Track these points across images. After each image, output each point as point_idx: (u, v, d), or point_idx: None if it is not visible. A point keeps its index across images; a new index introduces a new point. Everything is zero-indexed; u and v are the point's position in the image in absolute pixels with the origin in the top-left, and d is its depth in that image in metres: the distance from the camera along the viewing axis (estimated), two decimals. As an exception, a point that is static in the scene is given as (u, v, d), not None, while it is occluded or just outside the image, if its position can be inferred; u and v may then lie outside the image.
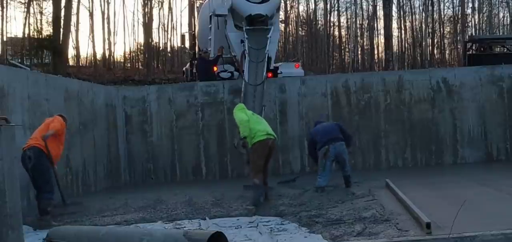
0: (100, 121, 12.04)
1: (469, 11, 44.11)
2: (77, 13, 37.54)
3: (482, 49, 21.48)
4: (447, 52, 47.29)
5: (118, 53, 50.08)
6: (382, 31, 43.11)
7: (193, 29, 27.45)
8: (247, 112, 8.62)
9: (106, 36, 41.04)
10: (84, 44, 75.82)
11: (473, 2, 44.34)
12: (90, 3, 40.34)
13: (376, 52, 48.03)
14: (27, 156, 7.52)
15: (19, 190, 4.47)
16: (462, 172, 11.06)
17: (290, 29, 47.28)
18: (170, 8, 45.80)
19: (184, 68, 23.33)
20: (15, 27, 74.18)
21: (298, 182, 10.54)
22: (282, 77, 14.52)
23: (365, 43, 48.24)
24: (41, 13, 36.66)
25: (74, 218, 7.90)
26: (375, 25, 46.60)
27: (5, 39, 35.32)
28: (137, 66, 42.55)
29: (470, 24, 44.17)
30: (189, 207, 8.42)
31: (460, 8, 43.62)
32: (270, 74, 13.64)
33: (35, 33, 33.86)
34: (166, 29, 45.55)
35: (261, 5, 13.89)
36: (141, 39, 42.50)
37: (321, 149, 9.46)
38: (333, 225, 6.35)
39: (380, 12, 42.86)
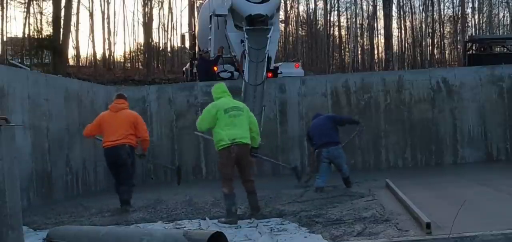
0: (100, 121, 12.02)
1: (469, 11, 44.24)
2: (77, 13, 37.65)
3: (482, 49, 21.50)
4: (447, 52, 47.36)
5: (118, 53, 50.23)
6: (382, 31, 43.23)
7: (193, 29, 27.43)
8: (220, 109, 7.20)
9: (106, 36, 41.16)
10: (84, 44, 76.04)
11: (473, 2, 44.45)
12: (90, 3, 40.47)
13: (376, 52, 48.08)
14: (126, 152, 8.20)
15: (19, 190, 4.47)
16: (462, 172, 11.06)
17: (290, 29, 47.32)
18: (170, 8, 45.98)
19: (184, 68, 23.34)
20: (15, 27, 74.21)
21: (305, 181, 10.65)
22: (282, 77, 14.53)
23: (365, 43, 48.28)
24: (41, 13, 36.79)
25: (73, 218, 7.90)
26: (375, 25, 46.72)
27: (5, 39, 35.37)
28: (137, 66, 42.56)
29: (470, 24, 44.28)
30: (189, 207, 8.41)
31: (460, 8, 43.66)
32: (270, 74, 13.66)
33: (35, 33, 33.92)
34: (166, 29, 45.67)
35: (261, 5, 13.90)
36: (141, 39, 42.62)
37: (316, 151, 9.69)
38: (333, 225, 6.34)
39: (380, 12, 42.97)
